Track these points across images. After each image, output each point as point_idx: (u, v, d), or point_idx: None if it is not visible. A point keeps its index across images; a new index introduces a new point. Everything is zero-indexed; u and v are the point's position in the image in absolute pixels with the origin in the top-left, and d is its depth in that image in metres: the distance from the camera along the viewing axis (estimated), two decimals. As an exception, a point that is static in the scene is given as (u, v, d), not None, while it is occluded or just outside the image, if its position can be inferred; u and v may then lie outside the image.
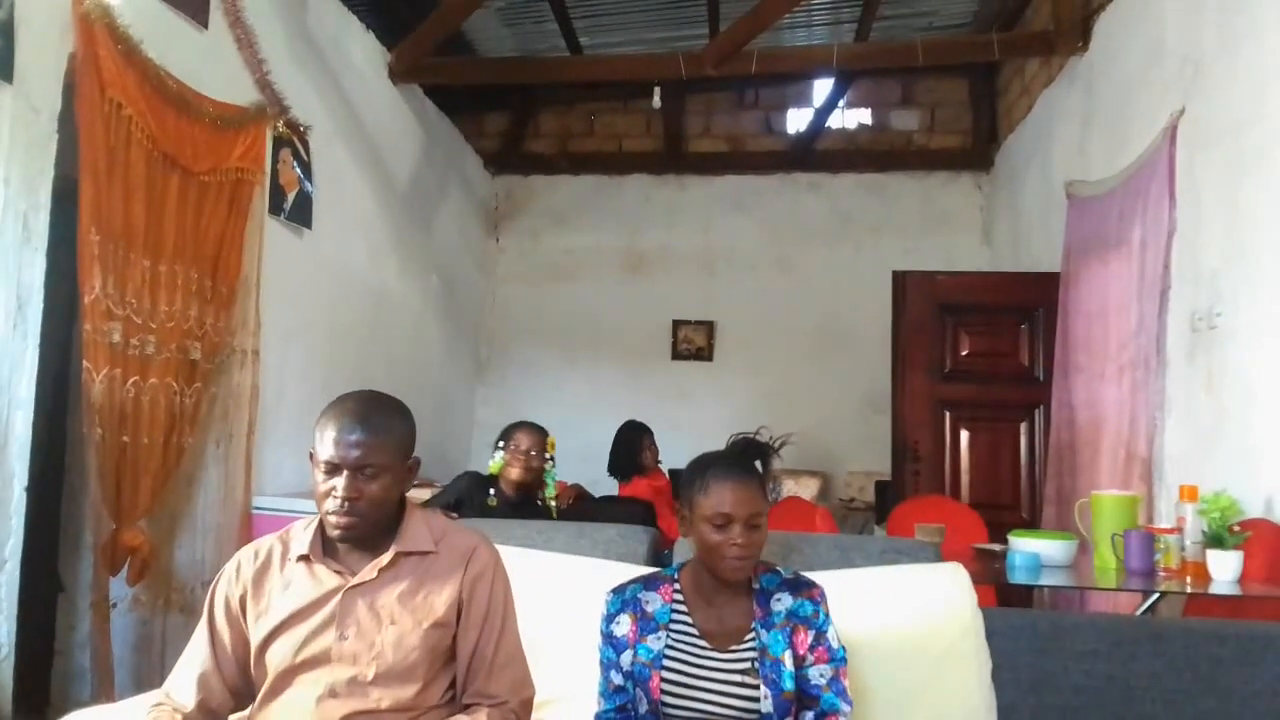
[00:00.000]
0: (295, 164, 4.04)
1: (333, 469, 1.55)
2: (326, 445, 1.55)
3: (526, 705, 1.66)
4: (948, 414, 4.85)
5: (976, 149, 6.50)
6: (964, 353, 4.86)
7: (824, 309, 6.49)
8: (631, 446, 4.50)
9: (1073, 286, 4.34)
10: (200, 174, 3.32)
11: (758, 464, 1.82)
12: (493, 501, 3.37)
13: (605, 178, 6.95)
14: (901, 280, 4.95)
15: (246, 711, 1.65)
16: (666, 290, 6.75)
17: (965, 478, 4.82)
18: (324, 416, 1.60)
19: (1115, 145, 4.02)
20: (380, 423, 1.59)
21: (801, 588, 1.78)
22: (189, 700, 1.57)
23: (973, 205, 6.54)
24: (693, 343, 6.73)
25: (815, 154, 6.70)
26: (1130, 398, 3.65)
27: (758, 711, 1.68)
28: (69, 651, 3.09)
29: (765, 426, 1.89)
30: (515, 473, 3.35)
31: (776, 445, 1.87)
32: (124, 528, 2.98)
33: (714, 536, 1.70)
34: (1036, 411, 4.76)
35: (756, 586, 1.78)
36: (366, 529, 1.59)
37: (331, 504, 1.55)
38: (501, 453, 3.38)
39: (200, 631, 1.63)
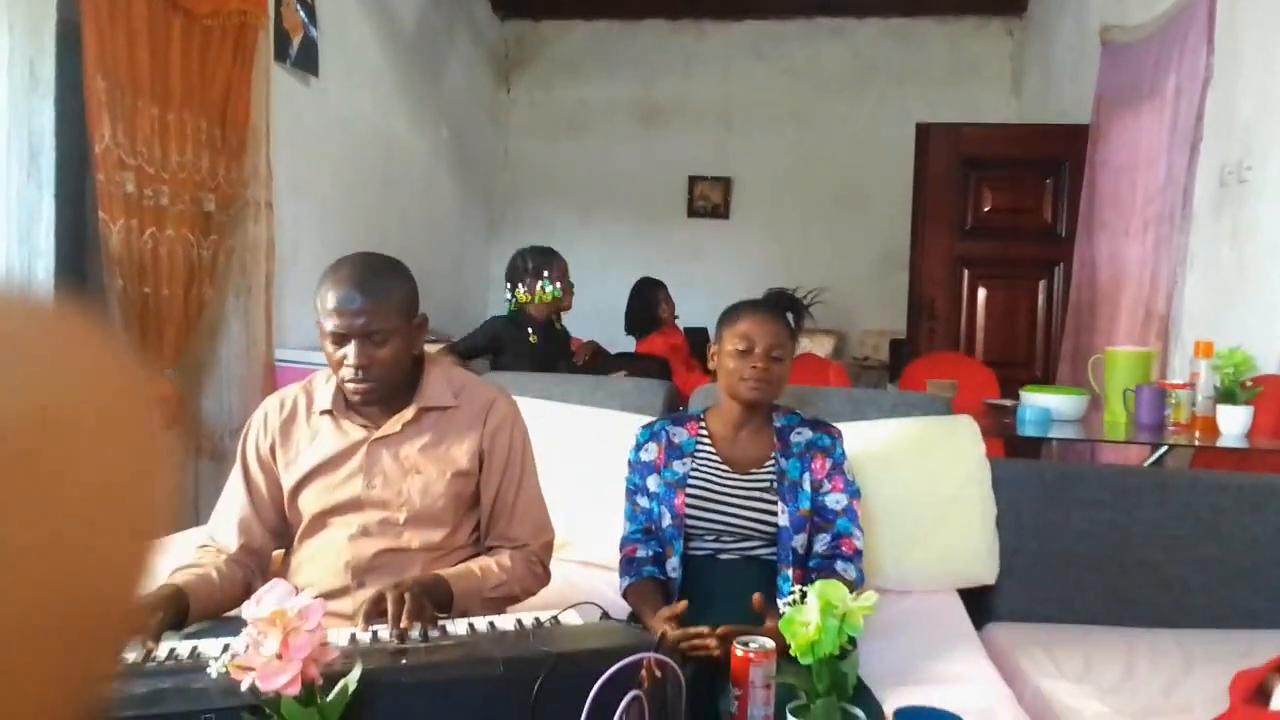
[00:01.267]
0: (299, 7, 3.90)
1: (340, 338, 1.54)
2: (329, 316, 1.53)
3: (547, 547, 1.73)
4: (966, 271, 4.82)
5: (1010, -9, 6.17)
6: (986, 209, 4.78)
7: (844, 164, 6.34)
8: (647, 302, 4.51)
9: (1102, 139, 4.22)
10: (202, 17, 3.21)
11: (790, 317, 1.90)
12: (534, 338, 3.45)
13: (619, 23, 6.66)
14: (925, 133, 4.82)
15: (285, 551, 1.73)
16: (682, 144, 6.58)
17: (980, 336, 4.84)
18: (322, 285, 1.56)
19: (1157, -13, 3.82)
20: (379, 286, 1.55)
21: (820, 425, 1.90)
22: (232, 543, 1.64)
23: (1002, 53, 6.27)
24: (709, 199, 6.62)
25: (840, -3, 6.39)
26: (1153, 254, 3.61)
27: (775, 525, 1.79)
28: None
29: (801, 286, 1.96)
30: (547, 304, 3.50)
31: (808, 301, 1.94)
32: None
33: (736, 362, 1.81)
34: (1056, 269, 4.72)
35: (777, 424, 1.89)
36: (384, 391, 1.60)
37: (346, 373, 1.55)
38: (525, 287, 3.45)
39: (235, 478, 1.68)
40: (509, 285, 3.62)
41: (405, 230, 5.00)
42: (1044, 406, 2.87)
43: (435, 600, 1.44)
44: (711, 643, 1.48)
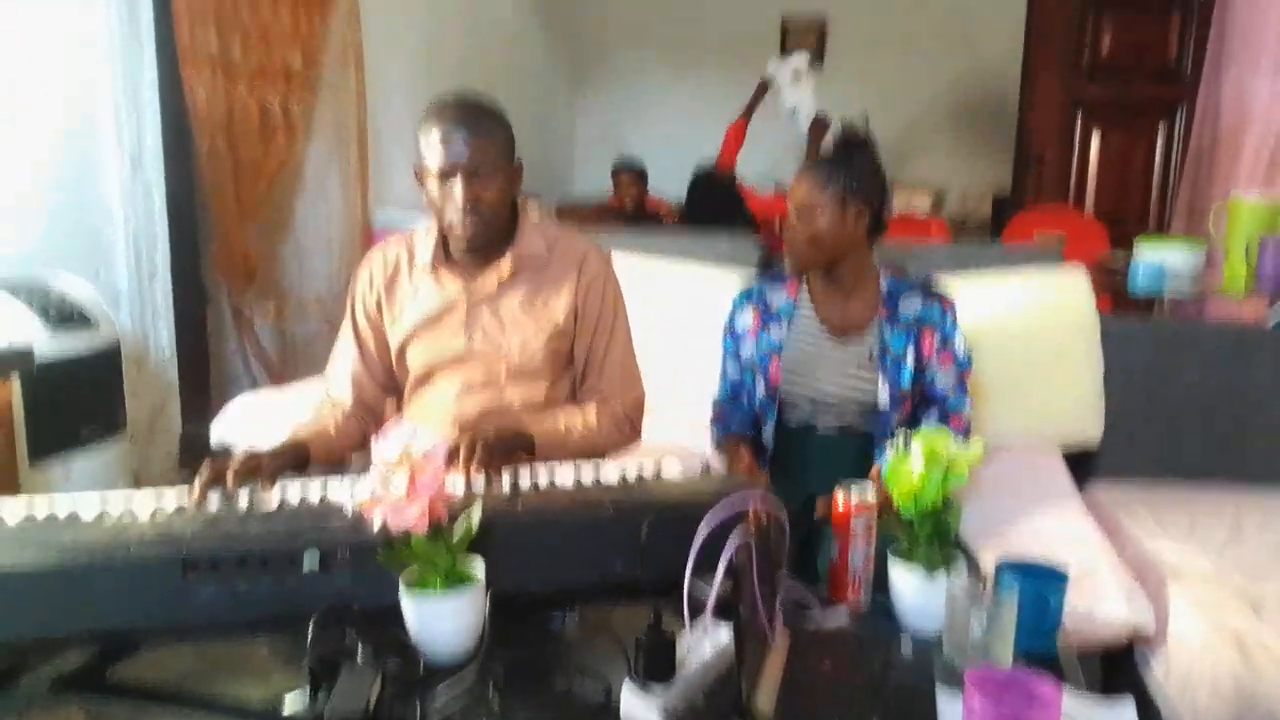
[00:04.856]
0: None
1: (445, 175, 1.54)
2: (435, 153, 1.53)
3: (637, 404, 1.74)
4: (1079, 114, 4.52)
5: None
6: (1105, 47, 4.43)
7: (949, 3, 5.92)
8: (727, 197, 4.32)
9: (1241, -35, 3.83)
10: None
11: (854, 155, 1.74)
12: None
13: None
14: (1041, -35, 4.44)
15: (397, 400, 1.80)
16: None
17: (1091, 185, 4.59)
18: (425, 123, 1.55)
19: None
20: (484, 125, 1.56)
21: (931, 296, 1.79)
22: (346, 396, 1.71)
23: None
24: (803, 44, 6.30)
25: None
26: (1287, 94, 3.32)
27: (874, 402, 1.75)
28: (223, 355, 3.37)
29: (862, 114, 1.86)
30: None
31: (860, 132, 1.79)
32: (235, 236, 3.10)
33: (785, 227, 1.77)
34: (1179, 110, 4.39)
35: (885, 289, 1.79)
36: (490, 234, 1.61)
37: (453, 213, 1.55)
38: None
39: (346, 334, 1.74)
40: None
41: (491, 86, 4.90)
42: (1157, 262, 2.74)
43: (519, 448, 1.49)
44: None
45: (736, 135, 4.23)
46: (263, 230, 3.23)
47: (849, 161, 1.73)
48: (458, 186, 1.53)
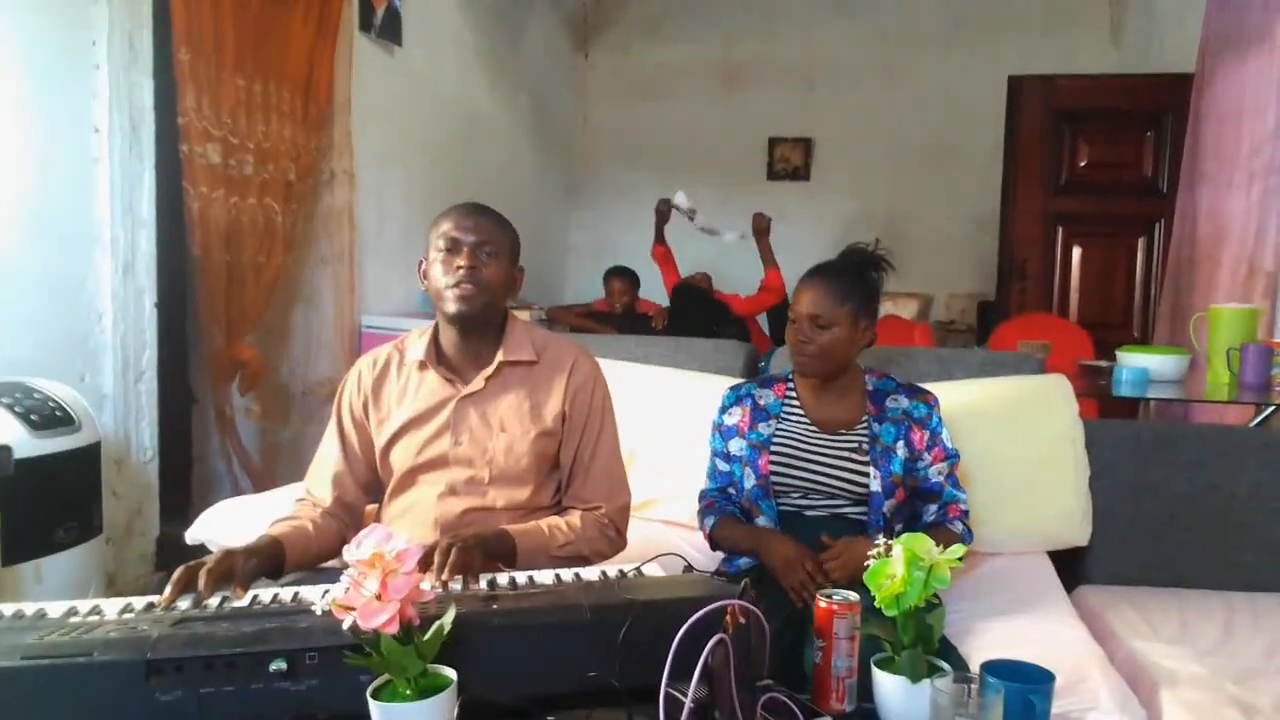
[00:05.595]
0: (383, -23, 3.95)
1: (453, 244, 1.60)
2: (446, 231, 1.62)
3: (622, 511, 1.73)
4: (1060, 229, 4.66)
5: (1110, -68, 5.87)
6: (1082, 164, 4.59)
7: (931, 122, 6.15)
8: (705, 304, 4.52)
9: (1207, 88, 4.00)
10: (289, -11, 3.29)
11: (868, 274, 1.84)
12: None
13: (699, -17, 6.57)
14: (1018, 85, 4.65)
15: (377, 505, 1.79)
16: (763, 106, 6.47)
17: (1074, 296, 4.68)
18: (439, 218, 1.66)
19: (1271, -78, 3.58)
20: (495, 215, 1.67)
21: (916, 392, 1.86)
22: (326, 495, 1.70)
23: (1100, 1, 5.99)
24: (789, 161, 6.52)
25: (927, -52, 6.17)
26: (1259, 207, 3.42)
27: (866, 489, 1.75)
28: (206, 458, 3.36)
29: (879, 240, 1.90)
30: None
31: (880, 255, 1.87)
32: (233, 342, 3.16)
33: (789, 333, 1.82)
34: (1156, 225, 4.52)
35: (870, 388, 1.86)
36: (484, 309, 1.63)
37: (454, 277, 1.59)
38: None
39: (330, 435, 1.75)
40: None
41: (487, 197, 5.03)
42: (1141, 366, 2.77)
43: (498, 555, 1.48)
44: (836, 570, 1.60)
45: (664, 258, 4.65)
46: (253, 334, 3.27)
47: (862, 278, 1.82)
48: (463, 254, 1.59)
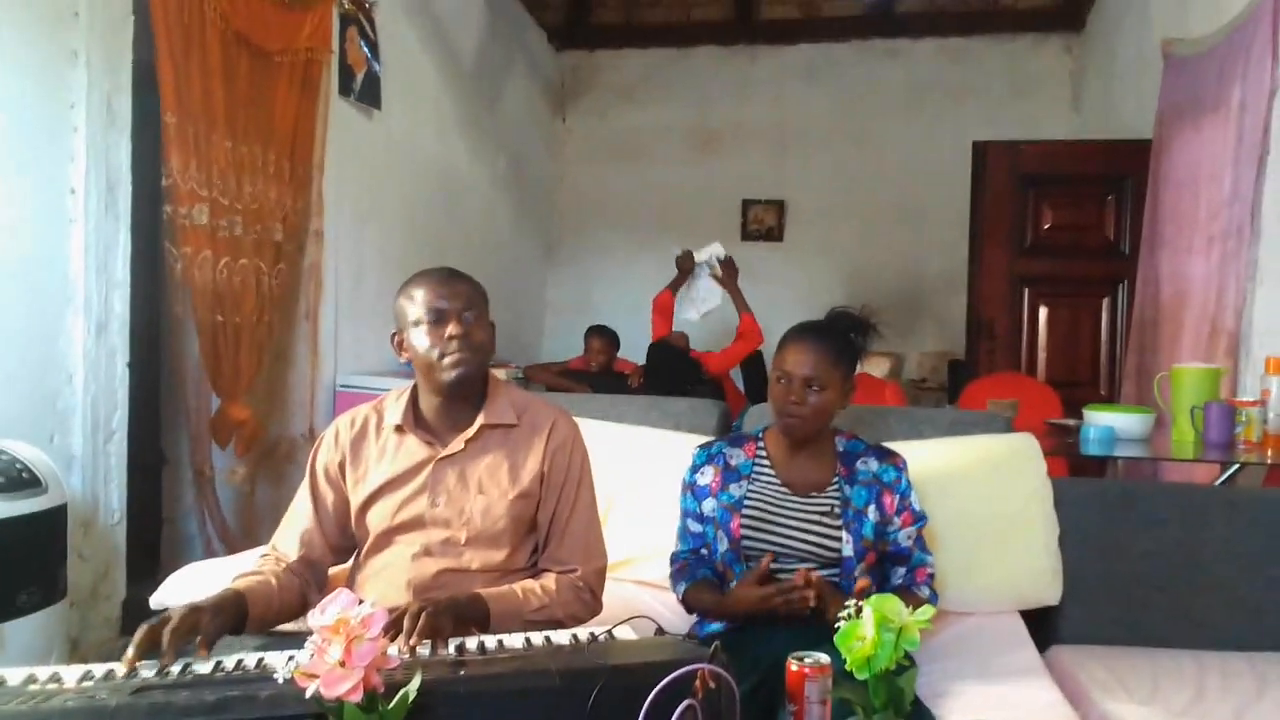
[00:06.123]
0: (362, 42, 4.03)
1: (438, 314, 1.61)
2: (424, 301, 1.61)
3: (598, 574, 1.71)
4: (1026, 290, 4.74)
5: (1068, 8, 6.09)
6: (1046, 227, 4.70)
7: (899, 185, 6.30)
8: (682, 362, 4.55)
9: (1165, 154, 4.13)
10: (273, 54, 3.35)
11: (855, 338, 1.87)
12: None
13: (673, 50, 6.73)
14: (982, 151, 4.76)
15: (345, 565, 1.78)
16: (736, 168, 6.61)
17: (1042, 355, 4.74)
18: (408, 287, 1.65)
19: (1219, -2, 3.74)
20: (466, 278, 1.68)
21: (885, 455, 1.87)
22: (292, 553, 1.68)
23: (1061, 70, 6.19)
24: (763, 222, 6.63)
25: (894, 18, 6.37)
26: (1219, 270, 3.51)
27: (838, 553, 1.76)
28: (176, 519, 3.31)
29: (867, 305, 1.93)
30: None
31: (869, 319, 1.90)
32: (230, 403, 3.16)
33: (776, 391, 1.81)
34: (1120, 287, 4.62)
35: (840, 449, 1.87)
36: (477, 373, 1.64)
37: (446, 347, 1.60)
38: None
39: (303, 492, 1.73)
40: None
41: (466, 258, 5.07)
42: (1108, 425, 2.81)
43: (472, 619, 1.46)
44: (810, 593, 1.58)
45: (665, 309, 4.68)
46: (230, 393, 3.25)
47: (849, 341, 1.85)
48: (451, 324, 1.60)
